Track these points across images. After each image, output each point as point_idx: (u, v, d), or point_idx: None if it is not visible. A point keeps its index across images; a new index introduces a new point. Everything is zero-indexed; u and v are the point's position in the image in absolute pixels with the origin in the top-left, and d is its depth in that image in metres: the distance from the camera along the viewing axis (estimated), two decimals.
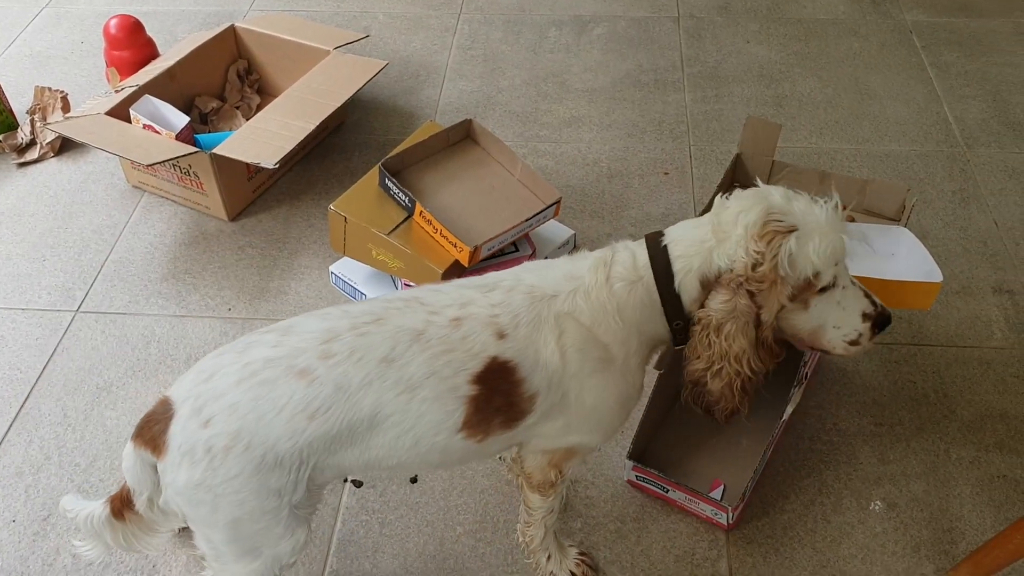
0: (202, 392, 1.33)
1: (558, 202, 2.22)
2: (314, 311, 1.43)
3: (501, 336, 1.37)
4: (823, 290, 1.37)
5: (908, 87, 3.02)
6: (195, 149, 2.36)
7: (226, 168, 2.42)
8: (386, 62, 2.71)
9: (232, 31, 2.89)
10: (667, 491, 1.83)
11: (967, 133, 2.83)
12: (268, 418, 1.31)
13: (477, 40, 3.27)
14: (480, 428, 1.40)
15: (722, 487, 1.86)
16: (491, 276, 1.47)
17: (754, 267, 1.33)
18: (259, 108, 2.87)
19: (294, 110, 2.49)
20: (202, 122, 2.82)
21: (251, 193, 2.59)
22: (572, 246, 2.42)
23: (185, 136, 2.46)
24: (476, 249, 2.05)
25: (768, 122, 2.05)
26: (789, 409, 1.79)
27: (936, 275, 1.68)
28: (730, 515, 1.77)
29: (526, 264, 1.50)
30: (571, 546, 1.76)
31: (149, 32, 2.92)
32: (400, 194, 2.16)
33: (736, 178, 2.12)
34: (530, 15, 3.39)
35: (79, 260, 2.44)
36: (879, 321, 1.42)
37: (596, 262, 1.44)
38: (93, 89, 3.03)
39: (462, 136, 2.38)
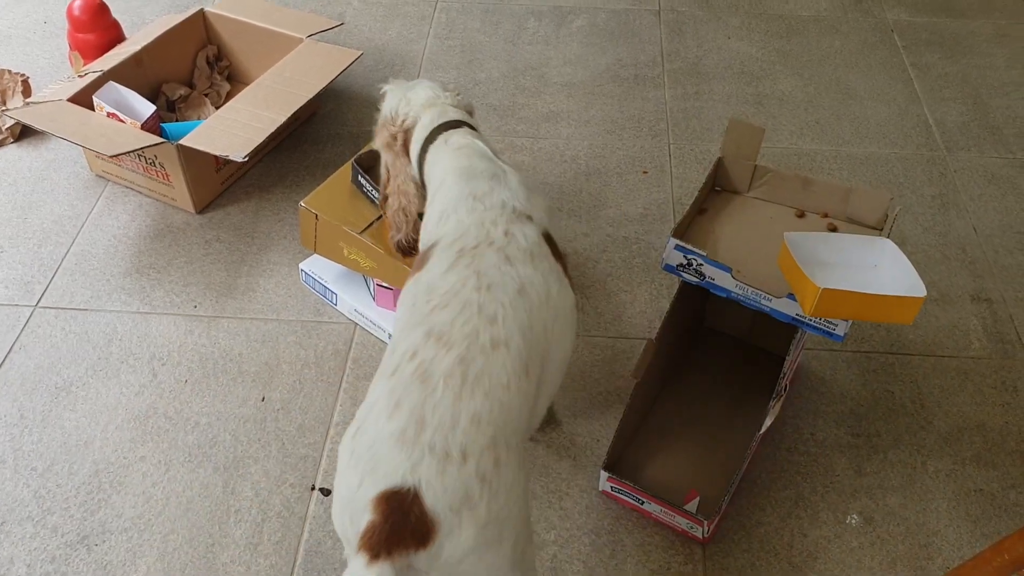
0: (420, 440, 1.16)
1: None
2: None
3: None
4: None
5: (889, 88, 3.00)
6: (161, 140, 2.27)
7: (193, 159, 2.34)
8: (360, 52, 2.64)
9: (202, 15, 2.80)
10: (642, 503, 1.80)
11: (947, 136, 2.81)
12: (504, 400, 1.24)
13: (454, 30, 3.20)
14: None
15: (697, 499, 1.83)
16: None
17: None
18: (229, 96, 2.79)
19: (265, 100, 2.42)
20: (169, 109, 2.73)
21: (219, 185, 2.51)
22: None
23: (151, 126, 2.37)
24: None
25: (751, 125, 2.00)
26: (768, 422, 1.76)
27: (919, 289, 1.65)
28: (705, 528, 1.74)
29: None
30: None
31: (115, 14, 2.81)
32: (373, 191, 2.10)
33: (717, 182, 2.08)
34: (508, 5, 3.32)
35: (38, 252, 2.36)
36: None
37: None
38: (56, 72, 2.93)
39: None
